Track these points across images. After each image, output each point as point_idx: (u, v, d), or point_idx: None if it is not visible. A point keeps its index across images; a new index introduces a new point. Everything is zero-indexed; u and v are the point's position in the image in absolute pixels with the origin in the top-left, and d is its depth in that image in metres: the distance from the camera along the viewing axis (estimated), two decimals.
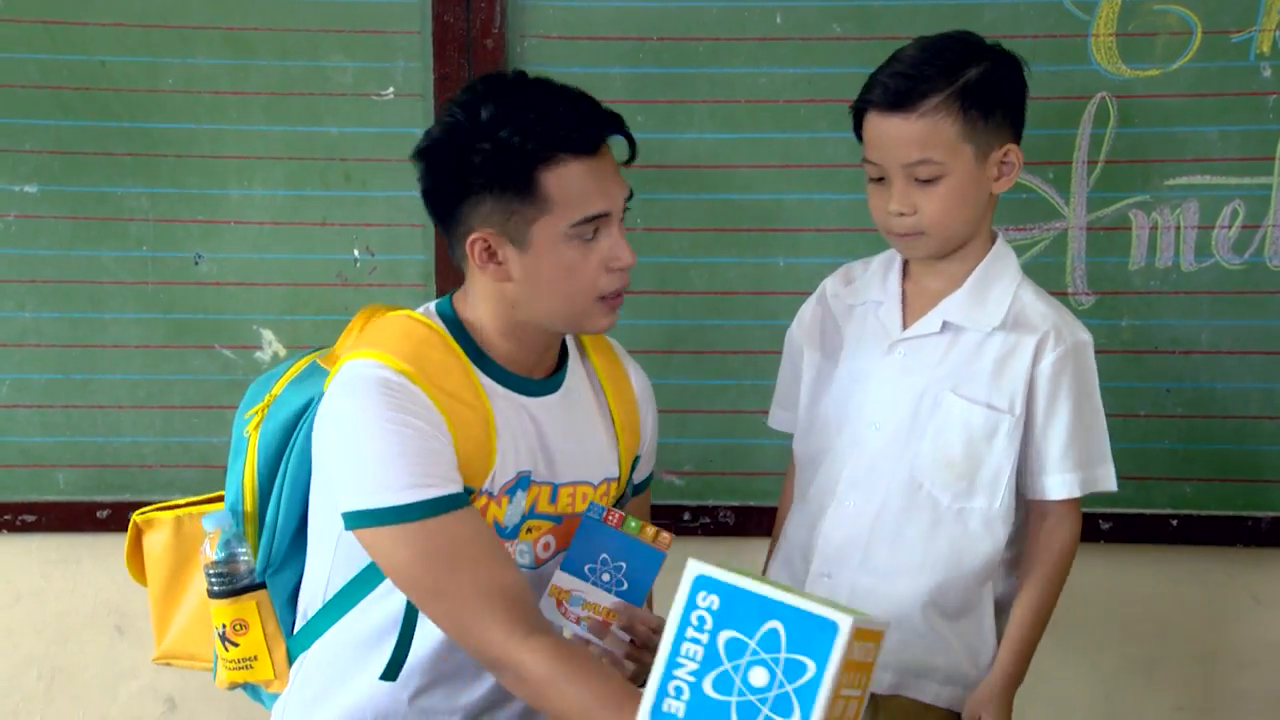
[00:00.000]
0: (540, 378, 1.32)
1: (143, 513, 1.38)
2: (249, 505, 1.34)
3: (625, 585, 1.33)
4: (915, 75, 1.33)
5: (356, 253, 1.72)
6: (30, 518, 1.74)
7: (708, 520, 1.72)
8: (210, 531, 1.36)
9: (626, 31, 1.69)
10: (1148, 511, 1.69)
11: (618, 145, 1.32)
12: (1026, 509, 1.42)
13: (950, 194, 1.32)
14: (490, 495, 1.32)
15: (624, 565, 1.34)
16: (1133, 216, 1.65)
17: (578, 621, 1.32)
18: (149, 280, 1.74)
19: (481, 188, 1.24)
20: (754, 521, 1.65)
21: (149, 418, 1.74)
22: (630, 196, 1.30)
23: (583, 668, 1.24)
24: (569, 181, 1.24)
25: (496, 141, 1.23)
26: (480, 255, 1.27)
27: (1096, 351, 1.55)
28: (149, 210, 1.74)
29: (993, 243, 1.41)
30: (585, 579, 1.33)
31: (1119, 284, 1.68)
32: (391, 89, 1.69)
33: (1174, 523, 1.67)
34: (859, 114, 1.37)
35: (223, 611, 1.34)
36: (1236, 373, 1.67)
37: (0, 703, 1.78)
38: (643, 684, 1.08)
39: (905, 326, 1.40)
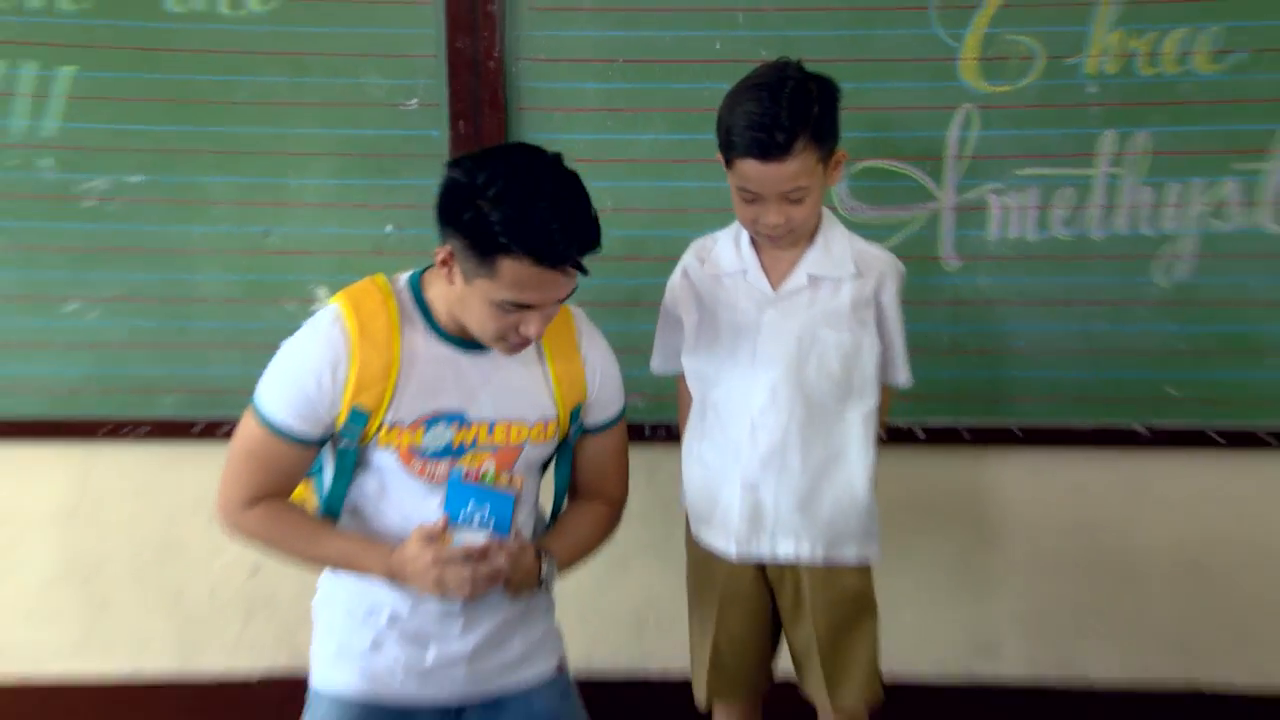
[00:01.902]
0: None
1: None
2: None
3: (492, 522, 1.54)
4: (779, 128, 1.49)
5: (389, 228, 2.01)
6: (145, 430, 2.06)
7: (663, 432, 2.04)
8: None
9: (599, 55, 1.95)
10: (997, 423, 2.02)
11: None
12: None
13: (812, 203, 1.57)
14: (400, 425, 1.54)
15: (487, 507, 1.55)
16: (990, 199, 1.95)
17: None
18: (229, 249, 2.01)
19: (461, 232, 1.44)
20: None
21: (231, 355, 2.02)
22: (572, 291, 1.45)
23: (282, 511, 1.56)
24: (518, 274, 1.42)
25: (488, 219, 1.40)
26: (441, 262, 1.48)
27: (958, 302, 1.94)
28: (228, 195, 1.99)
29: (821, 212, 1.63)
30: (463, 524, 1.53)
31: (979, 251, 1.97)
32: (415, 100, 1.96)
33: (1018, 432, 2.02)
34: (727, 153, 1.53)
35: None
36: (1065, 318, 1.98)
37: (128, 568, 2.13)
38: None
39: (774, 287, 1.63)
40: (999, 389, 2.00)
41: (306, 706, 1.64)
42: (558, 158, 1.49)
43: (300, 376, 1.53)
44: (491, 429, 1.58)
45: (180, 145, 1.97)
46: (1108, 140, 1.90)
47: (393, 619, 1.60)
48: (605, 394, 1.67)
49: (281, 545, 1.57)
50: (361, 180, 1.99)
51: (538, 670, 1.66)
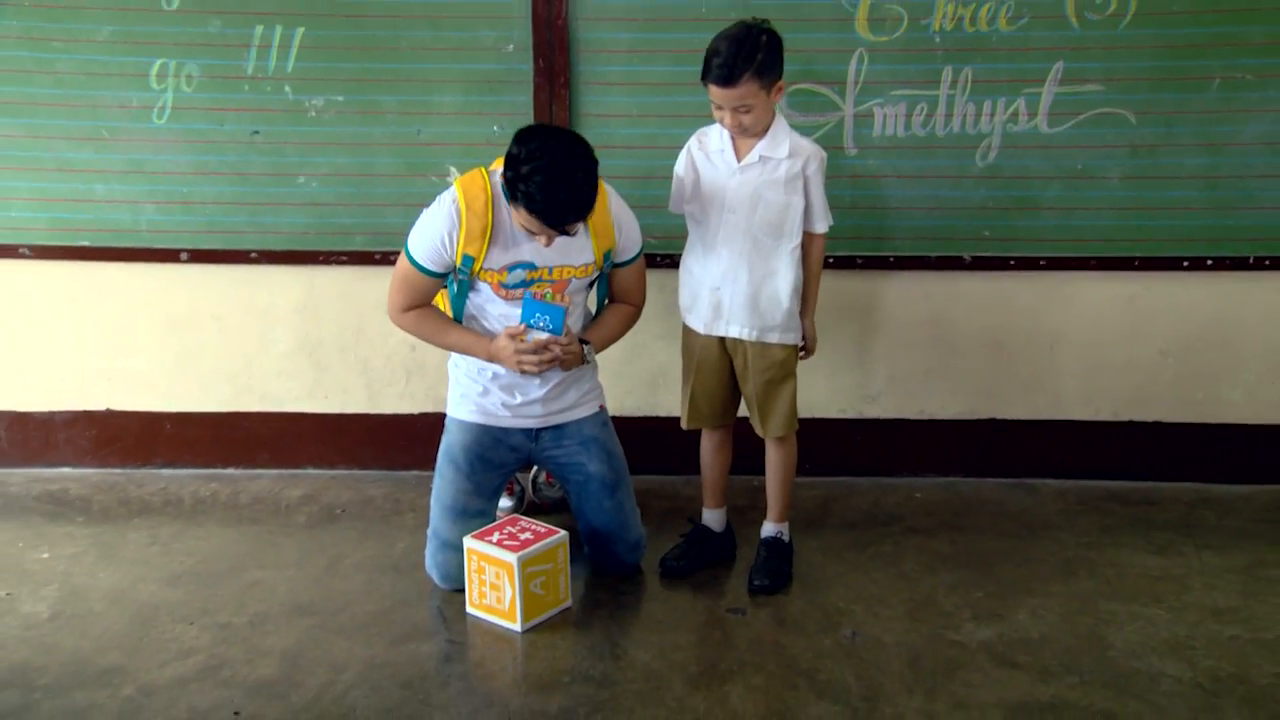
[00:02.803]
0: None
1: None
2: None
3: (551, 325, 2.02)
4: (733, 65, 2.01)
5: (495, 127, 2.67)
6: (344, 258, 2.75)
7: (668, 260, 2.61)
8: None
9: (629, 16, 2.58)
10: (877, 254, 2.69)
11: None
12: (805, 243, 2.21)
13: (758, 113, 2.08)
14: (492, 270, 2.03)
15: (547, 317, 2.04)
16: (875, 110, 2.61)
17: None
18: (396, 143, 2.67)
19: (507, 180, 1.94)
20: None
21: (397, 210, 2.64)
22: (575, 231, 1.91)
23: (420, 318, 2.05)
24: (529, 220, 1.94)
25: (517, 188, 1.91)
26: (500, 177, 1.98)
27: (856, 176, 2.63)
28: (395, 108, 2.66)
29: (772, 117, 2.15)
30: (533, 326, 2.04)
31: (869, 143, 2.63)
32: (511, 45, 2.62)
33: (891, 260, 2.70)
34: (704, 79, 2.06)
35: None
36: (921, 186, 2.66)
37: (337, 343, 2.82)
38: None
39: (739, 160, 2.15)
40: (882, 232, 2.72)
41: (445, 429, 2.33)
42: (582, 145, 1.97)
43: (431, 236, 2.08)
44: (551, 270, 2.14)
45: (366, 76, 2.64)
46: (947, 73, 2.58)
47: (495, 376, 2.23)
48: (628, 241, 2.21)
49: (425, 336, 2.20)
50: (478, 97, 2.65)
51: (586, 408, 2.33)
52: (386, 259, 2.72)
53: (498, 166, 2.11)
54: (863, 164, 2.67)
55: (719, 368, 2.32)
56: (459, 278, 2.14)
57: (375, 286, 2.77)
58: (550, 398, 2.26)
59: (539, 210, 1.98)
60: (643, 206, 2.37)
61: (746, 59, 2.04)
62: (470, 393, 2.25)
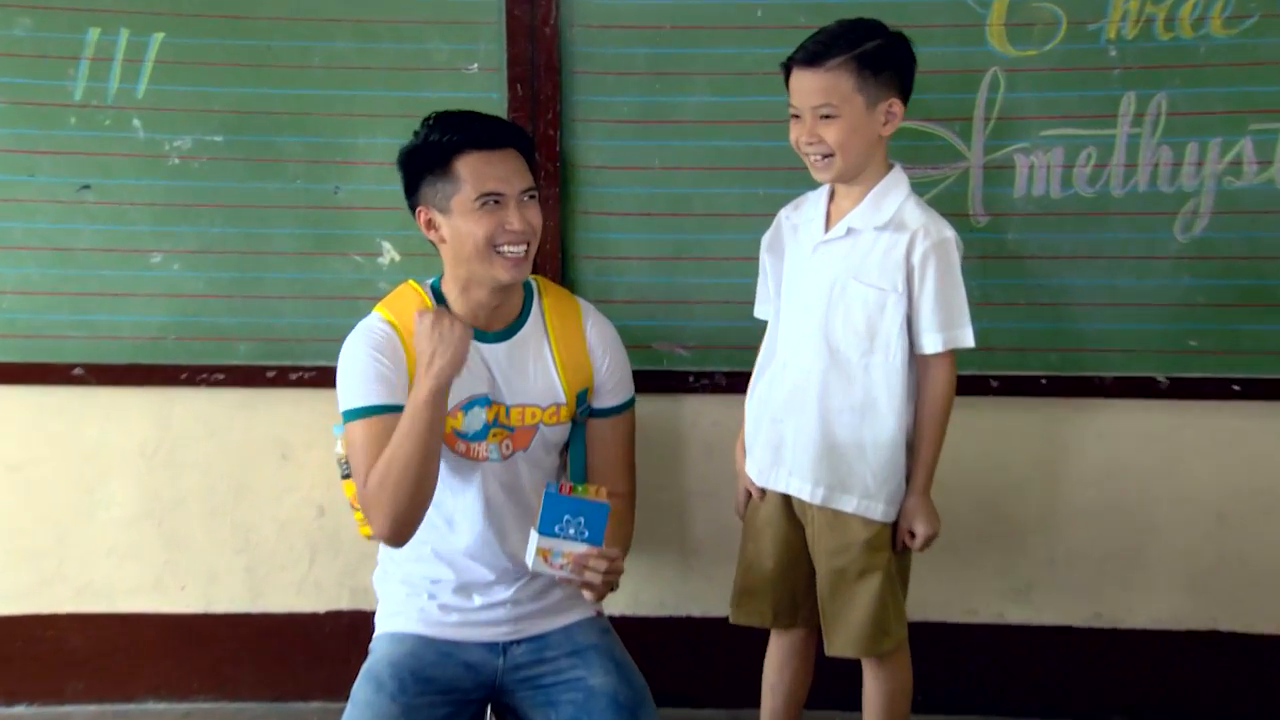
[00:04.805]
0: (498, 329, 1.78)
1: None
2: None
3: (587, 533, 1.67)
4: (826, 43, 1.70)
5: None
6: (220, 376, 2.25)
7: (706, 382, 2.21)
8: (337, 435, 1.88)
9: (647, 22, 2.13)
10: (1024, 373, 2.18)
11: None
12: (920, 368, 1.78)
13: (844, 130, 1.69)
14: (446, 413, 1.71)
15: (582, 519, 1.67)
16: (1016, 158, 2.12)
17: (561, 568, 1.66)
18: (301, 205, 2.19)
19: (424, 173, 1.72)
20: (740, 383, 2.00)
21: (302, 305, 2.20)
22: (532, 187, 1.71)
23: (388, 450, 1.67)
24: (473, 167, 1.70)
25: (429, 139, 1.72)
26: (425, 225, 1.74)
27: (989, 256, 2.08)
28: (301, 154, 2.18)
29: (889, 172, 1.77)
30: (557, 536, 1.66)
31: (1006, 208, 2.14)
32: (476, 64, 2.15)
33: (1044, 381, 2.18)
34: (786, 69, 1.74)
35: (348, 489, 1.90)
36: (1088, 272, 2.14)
37: (202, 506, 2.34)
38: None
39: (826, 229, 1.80)
40: (1025, 341, 2.18)
41: (372, 645, 1.85)
42: None
43: (364, 363, 1.75)
44: (508, 412, 1.80)
45: (257, 107, 2.17)
46: (1128, 102, 2.08)
47: (437, 581, 1.83)
48: (612, 380, 1.87)
49: (410, 467, 1.68)
50: None
51: (578, 612, 1.87)
52: (284, 378, 2.25)
53: (425, 280, 1.86)
54: (997, 239, 2.15)
55: (785, 538, 1.90)
56: None
57: (265, 417, 2.32)
58: (523, 599, 1.85)
59: (467, 124, 1.75)
60: (669, 301, 2.09)
61: (850, 41, 1.70)
62: (407, 607, 1.88)
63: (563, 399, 1.84)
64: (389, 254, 2.20)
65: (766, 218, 1.97)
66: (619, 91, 2.15)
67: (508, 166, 1.74)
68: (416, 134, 1.76)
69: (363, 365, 1.76)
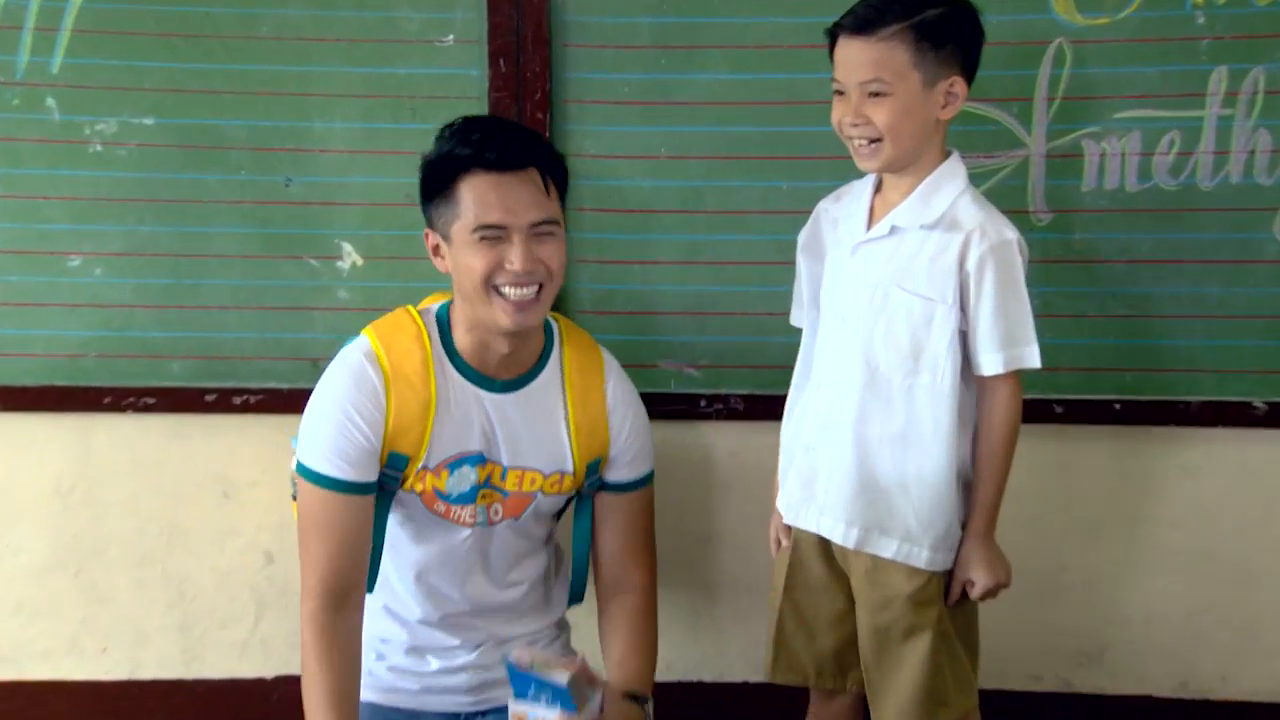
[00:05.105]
0: (507, 378, 1.65)
1: None
2: None
3: (558, 704, 1.64)
4: (880, 7, 1.58)
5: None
6: (150, 400, 2.08)
7: (720, 406, 2.05)
8: (296, 447, 1.72)
9: None
10: (1096, 397, 2.02)
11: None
12: (978, 391, 1.66)
13: (895, 110, 1.57)
14: (427, 468, 1.64)
15: (546, 694, 1.65)
16: (1085, 145, 1.96)
17: None
18: (246, 200, 2.04)
19: (432, 193, 1.60)
20: (760, 408, 1.96)
21: (248, 316, 2.05)
22: (548, 220, 1.56)
23: (326, 658, 1.59)
24: (477, 189, 1.56)
25: (440, 151, 1.60)
26: (432, 250, 1.62)
27: (1053, 260, 1.92)
28: (246, 139, 2.03)
29: (944, 160, 1.63)
30: (532, 702, 1.64)
31: (1073, 203, 1.98)
32: (451, 36, 2.01)
33: (1117, 406, 2.01)
34: (832, 37, 1.62)
35: (295, 510, 1.75)
36: (1171, 279, 1.98)
37: (128, 554, 2.15)
38: None
39: (869, 226, 1.66)
40: (1095, 359, 2.01)
41: None
42: None
43: (335, 421, 1.60)
44: (505, 474, 1.67)
45: (195, 85, 2.02)
46: (1219, 78, 1.91)
47: (387, 641, 1.74)
48: (631, 450, 1.74)
49: (309, 673, 1.59)
50: (392, 124, 2.04)
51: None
52: (226, 402, 2.10)
53: (435, 302, 1.75)
54: (1063, 239, 2.00)
55: (823, 586, 1.79)
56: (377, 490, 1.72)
57: (203, 448, 2.16)
58: (489, 664, 1.76)
59: (480, 137, 1.61)
60: (677, 312, 1.99)
61: (907, 7, 1.59)
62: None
63: (570, 468, 1.72)
64: (350, 257, 2.03)
65: (792, 215, 1.84)
66: (618, 68, 2.01)
67: (519, 194, 1.58)
68: (435, 141, 1.64)
69: (333, 423, 1.62)
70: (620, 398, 1.75)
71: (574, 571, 1.81)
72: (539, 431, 1.69)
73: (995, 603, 1.77)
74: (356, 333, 1.74)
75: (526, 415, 1.67)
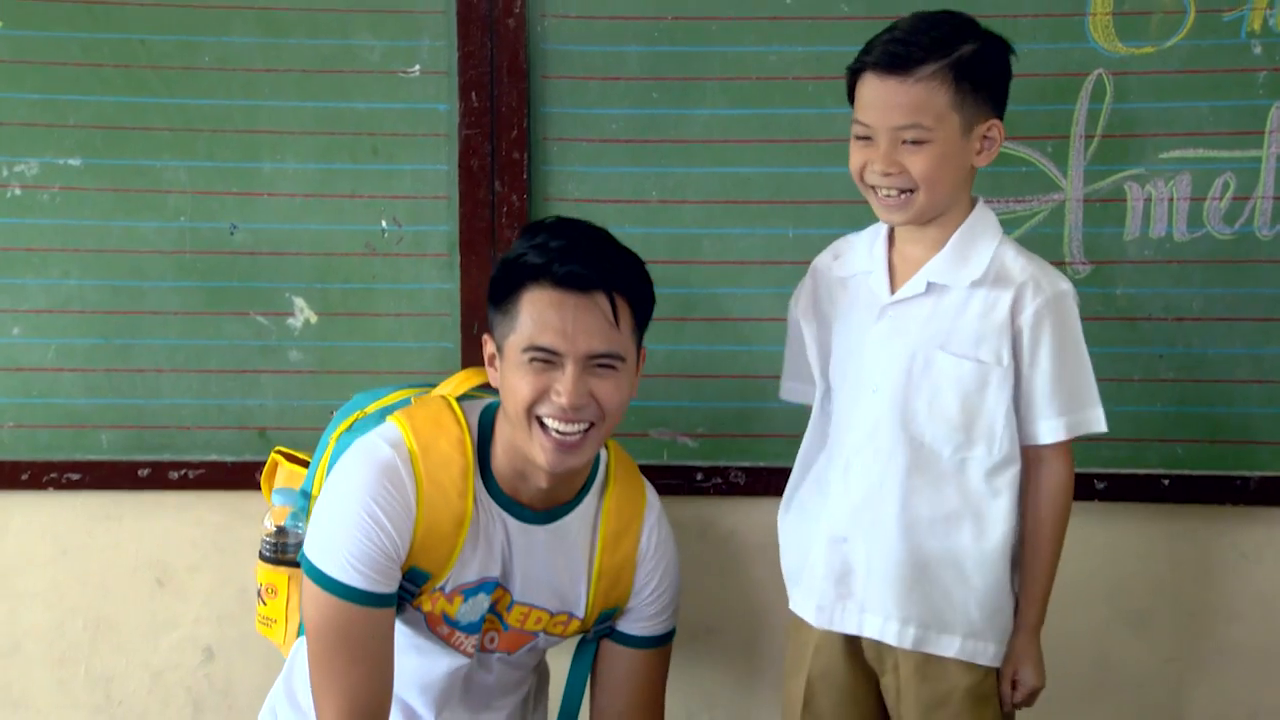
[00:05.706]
0: (539, 508, 1.54)
1: (279, 450, 1.72)
2: (315, 493, 1.61)
3: None
4: (914, 43, 1.49)
5: (384, 223, 1.95)
6: (75, 476, 1.96)
7: (719, 480, 1.93)
8: (276, 506, 1.64)
9: (642, 11, 1.93)
10: (1141, 471, 1.90)
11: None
12: (1026, 461, 1.57)
13: (933, 161, 1.50)
14: (443, 591, 1.54)
15: None
16: (1128, 188, 1.86)
17: None
18: (186, 249, 1.96)
19: (496, 297, 1.50)
20: (763, 482, 1.87)
21: (187, 381, 1.96)
22: (609, 355, 1.44)
23: None
24: (537, 304, 1.45)
25: (510, 254, 1.50)
26: (487, 357, 1.53)
27: (1092, 318, 1.75)
28: (186, 182, 1.94)
29: (972, 209, 1.57)
30: None
31: (1114, 254, 1.89)
32: (418, 66, 1.92)
33: (1166, 482, 1.89)
34: (854, 75, 1.55)
35: (263, 573, 1.68)
36: (1226, 338, 1.88)
37: (47, 651, 2.00)
38: None
39: (893, 292, 1.57)
40: (1141, 429, 1.88)
41: None
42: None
43: (356, 521, 1.49)
44: (510, 606, 1.59)
45: (128, 121, 1.94)
46: (1278, 115, 1.82)
47: None
48: (653, 606, 1.66)
49: None
50: (350, 165, 1.97)
51: None
52: (162, 477, 1.99)
53: (471, 385, 1.69)
54: (1104, 294, 1.90)
55: (849, 692, 1.70)
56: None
57: (134, 530, 2.04)
58: None
59: (551, 247, 1.50)
60: (670, 375, 1.89)
61: (942, 43, 1.52)
62: None
63: (581, 614, 1.63)
64: (303, 313, 1.93)
65: (798, 266, 1.76)
66: (604, 102, 1.95)
67: (581, 319, 1.47)
68: (517, 238, 1.56)
69: (355, 524, 1.50)
70: (654, 547, 1.66)
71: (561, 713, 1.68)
72: (556, 570, 1.61)
73: (1030, 709, 1.63)
74: (309, 398, 1.61)
75: (549, 551, 1.57)
